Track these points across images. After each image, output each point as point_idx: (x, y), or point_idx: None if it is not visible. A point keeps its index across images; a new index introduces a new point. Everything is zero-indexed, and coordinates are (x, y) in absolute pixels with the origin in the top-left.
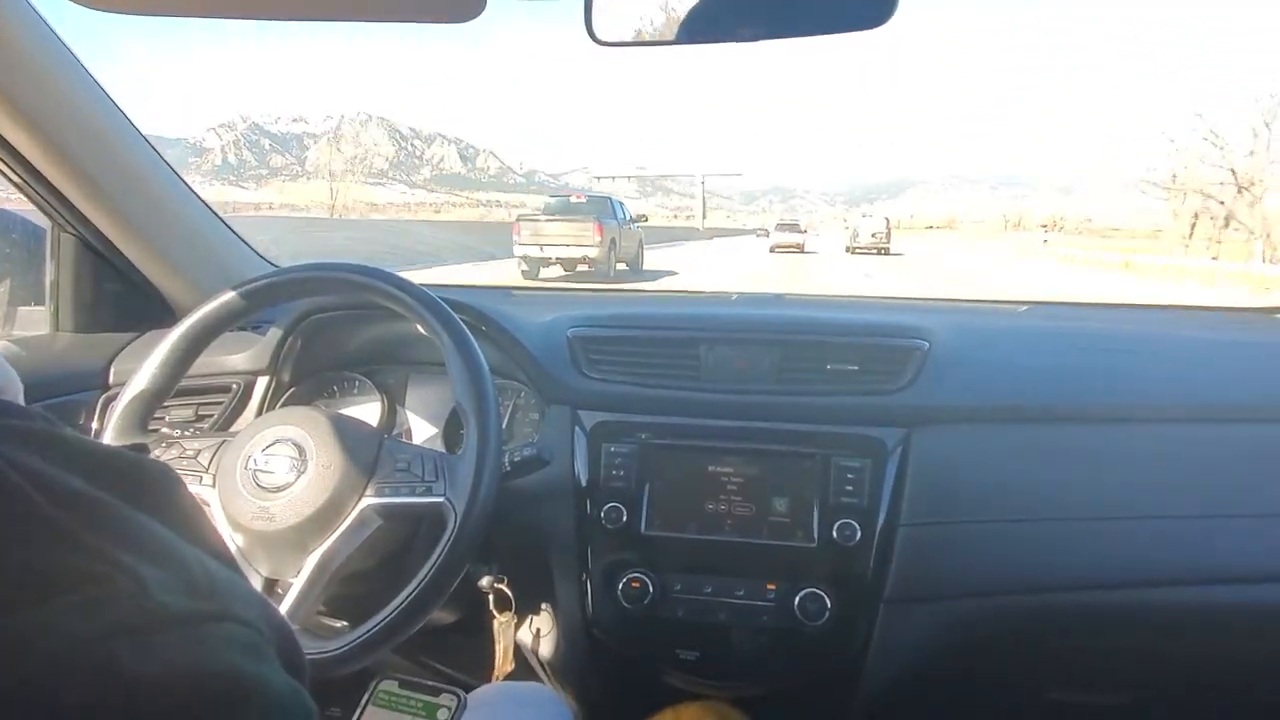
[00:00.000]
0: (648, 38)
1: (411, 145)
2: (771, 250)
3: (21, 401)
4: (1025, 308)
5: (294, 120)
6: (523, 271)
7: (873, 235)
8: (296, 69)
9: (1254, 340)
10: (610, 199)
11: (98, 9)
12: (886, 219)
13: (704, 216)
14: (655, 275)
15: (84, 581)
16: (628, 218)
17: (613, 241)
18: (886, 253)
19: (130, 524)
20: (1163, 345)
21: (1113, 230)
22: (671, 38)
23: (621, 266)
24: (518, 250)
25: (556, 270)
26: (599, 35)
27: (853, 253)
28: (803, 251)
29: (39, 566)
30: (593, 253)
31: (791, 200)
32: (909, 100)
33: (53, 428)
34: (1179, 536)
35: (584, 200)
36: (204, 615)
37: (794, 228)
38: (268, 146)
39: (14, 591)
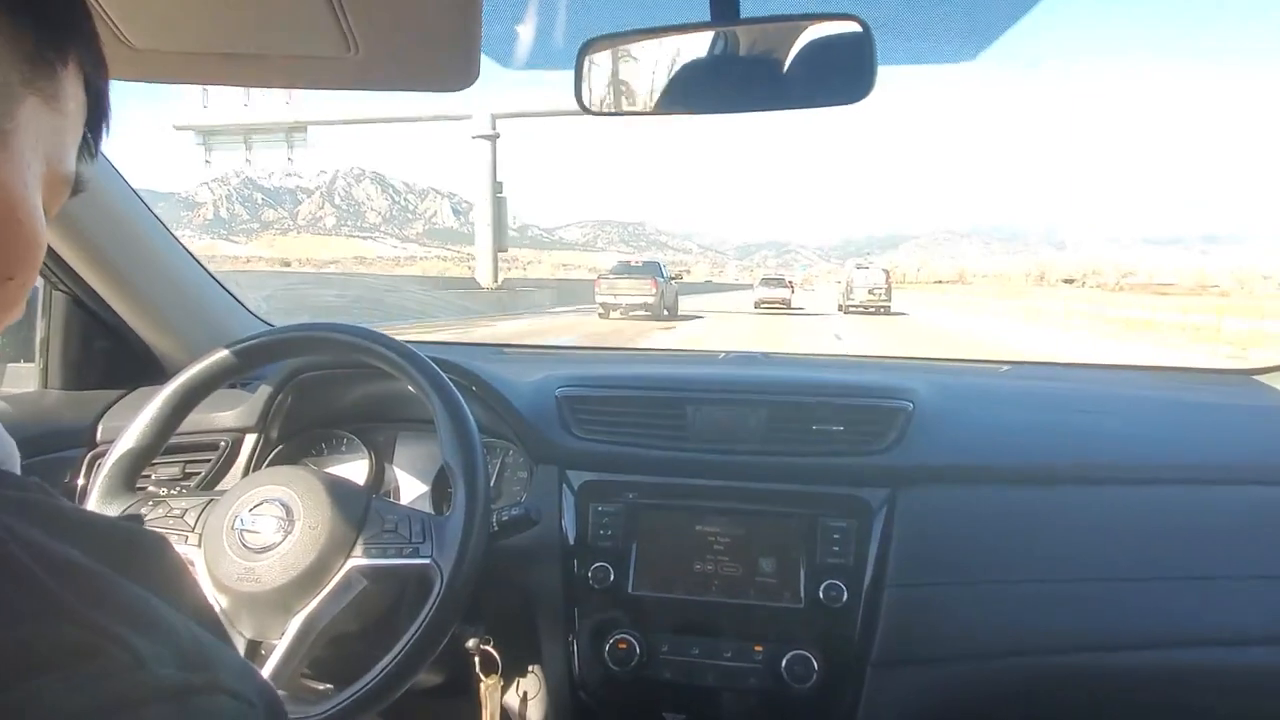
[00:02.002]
0: (635, 108)
1: (405, 200)
2: (756, 305)
3: (18, 470)
4: (1007, 368)
5: (287, 174)
6: (599, 314)
7: (870, 292)
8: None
9: (1235, 402)
10: (658, 263)
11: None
12: (886, 271)
13: (496, 255)
14: (689, 317)
15: (79, 655)
16: (669, 277)
17: (661, 293)
18: (886, 312)
19: (124, 595)
20: (1145, 407)
21: (1166, 286)
22: (655, 109)
23: (665, 312)
24: (598, 298)
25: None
26: (589, 105)
27: (846, 312)
28: (789, 308)
29: (35, 640)
30: (650, 300)
31: (786, 254)
32: (903, 154)
33: (50, 498)
34: (1164, 599)
35: (640, 264)
36: (195, 688)
37: (779, 283)
38: (260, 201)
39: (11, 666)
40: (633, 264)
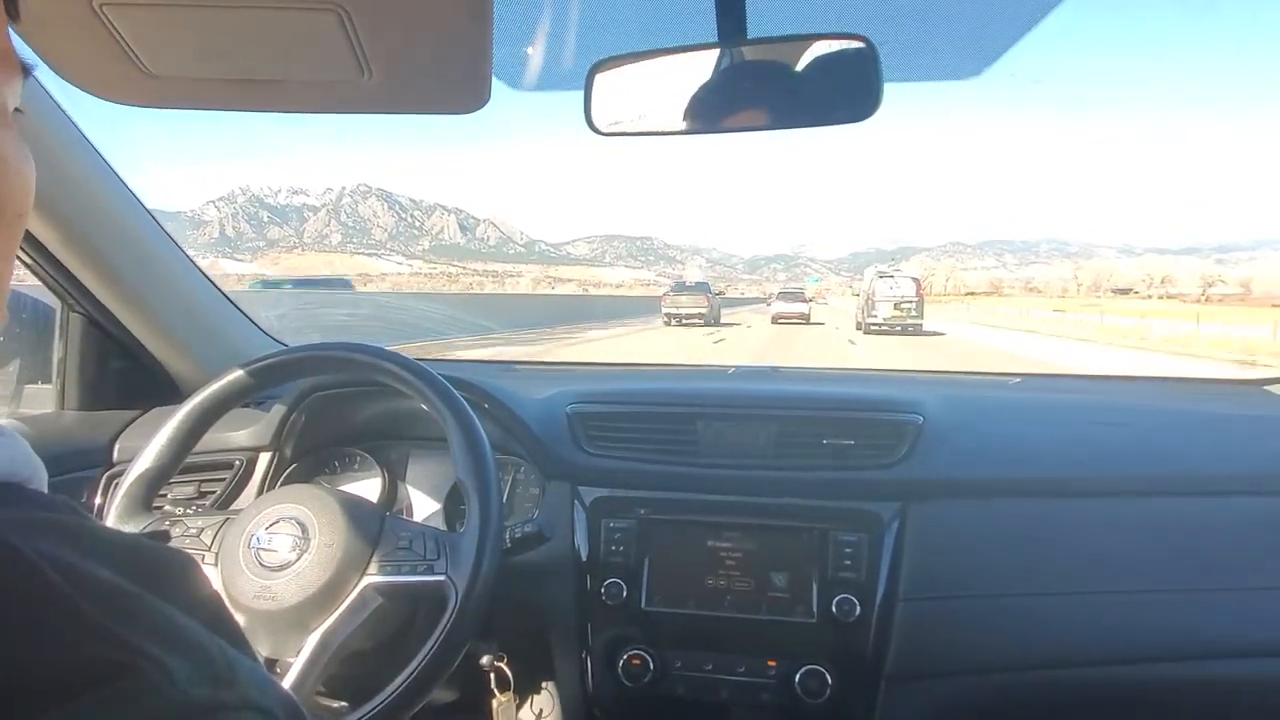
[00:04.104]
0: (642, 129)
1: (411, 216)
2: (773, 320)
3: (45, 489)
4: (1018, 379)
5: (294, 193)
6: (664, 322)
7: (897, 306)
8: (299, 144)
9: (1245, 413)
10: (707, 283)
11: (110, 100)
12: (916, 280)
13: None
14: (731, 324)
15: (114, 675)
16: (714, 292)
17: (711, 305)
18: (918, 331)
19: (156, 614)
20: (1155, 418)
21: (1250, 297)
22: (664, 129)
23: (713, 321)
24: (664, 310)
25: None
26: (598, 125)
27: (866, 330)
28: (807, 322)
29: (72, 661)
30: (704, 311)
31: (795, 268)
32: (911, 167)
33: (79, 517)
34: (1177, 610)
35: (694, 284)
36: (227, 705)
37: (796, 296)
38: (266, 219)
39: (48, 687)
40: (688, 284)
